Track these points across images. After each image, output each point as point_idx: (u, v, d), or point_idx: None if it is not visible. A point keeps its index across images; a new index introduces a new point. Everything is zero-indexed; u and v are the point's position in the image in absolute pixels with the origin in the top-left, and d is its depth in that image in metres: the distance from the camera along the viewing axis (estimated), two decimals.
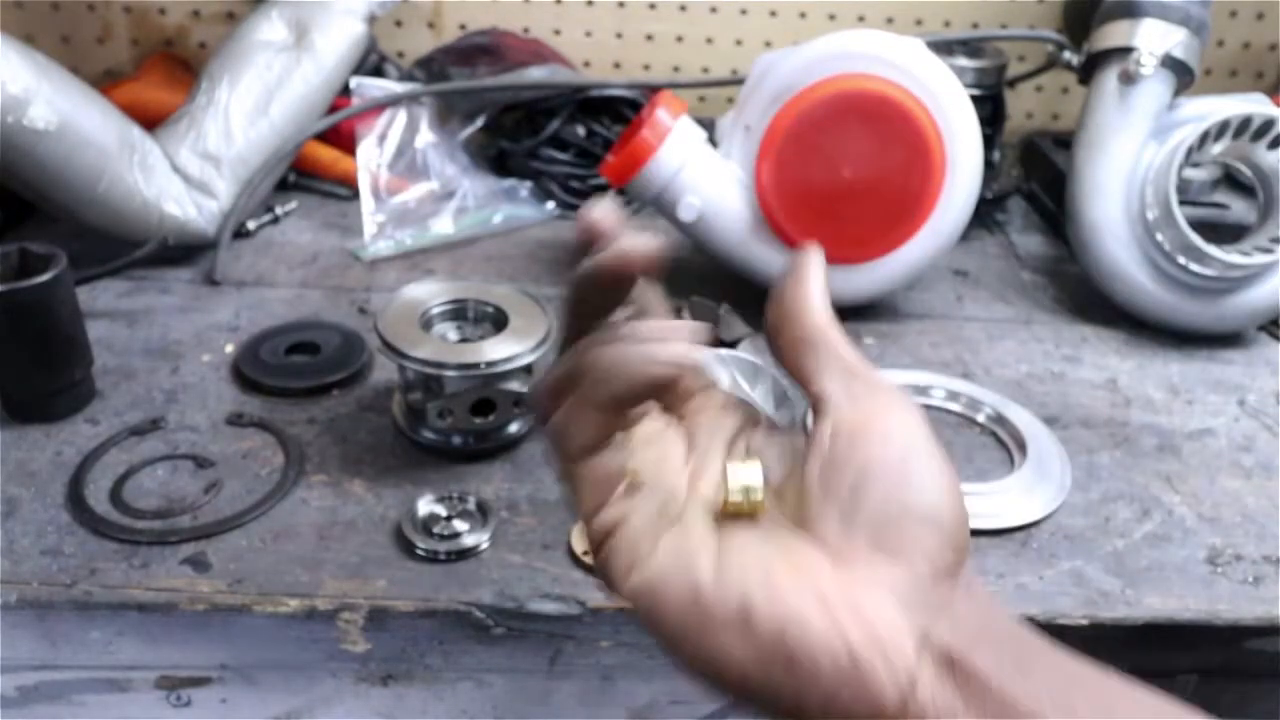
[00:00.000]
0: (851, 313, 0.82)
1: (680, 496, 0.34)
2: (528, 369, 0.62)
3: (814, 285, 0.35)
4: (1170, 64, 0.80)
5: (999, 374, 0.76)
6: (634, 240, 0.33)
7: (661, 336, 0.32)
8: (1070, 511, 0.61)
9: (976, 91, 0.91)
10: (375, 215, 0.89)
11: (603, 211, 0.34)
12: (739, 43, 1.13)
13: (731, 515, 0.33)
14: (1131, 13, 0.81)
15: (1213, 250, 0.76)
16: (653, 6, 1.11)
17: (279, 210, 0.93)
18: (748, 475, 0.33)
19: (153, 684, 0.55)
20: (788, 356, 0.35)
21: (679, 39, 1.13)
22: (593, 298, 0.34)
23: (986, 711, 0.28)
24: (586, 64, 1.13)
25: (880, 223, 0.76)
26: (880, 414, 0.33)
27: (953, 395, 0.71)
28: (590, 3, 1.10)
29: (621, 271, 0.33)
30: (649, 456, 0.35)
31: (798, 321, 0.35)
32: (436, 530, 0.56)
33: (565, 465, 0.35)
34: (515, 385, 0.62)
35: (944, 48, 0.93)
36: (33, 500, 0.57)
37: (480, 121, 0.98)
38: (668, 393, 0.35)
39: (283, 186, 0.98)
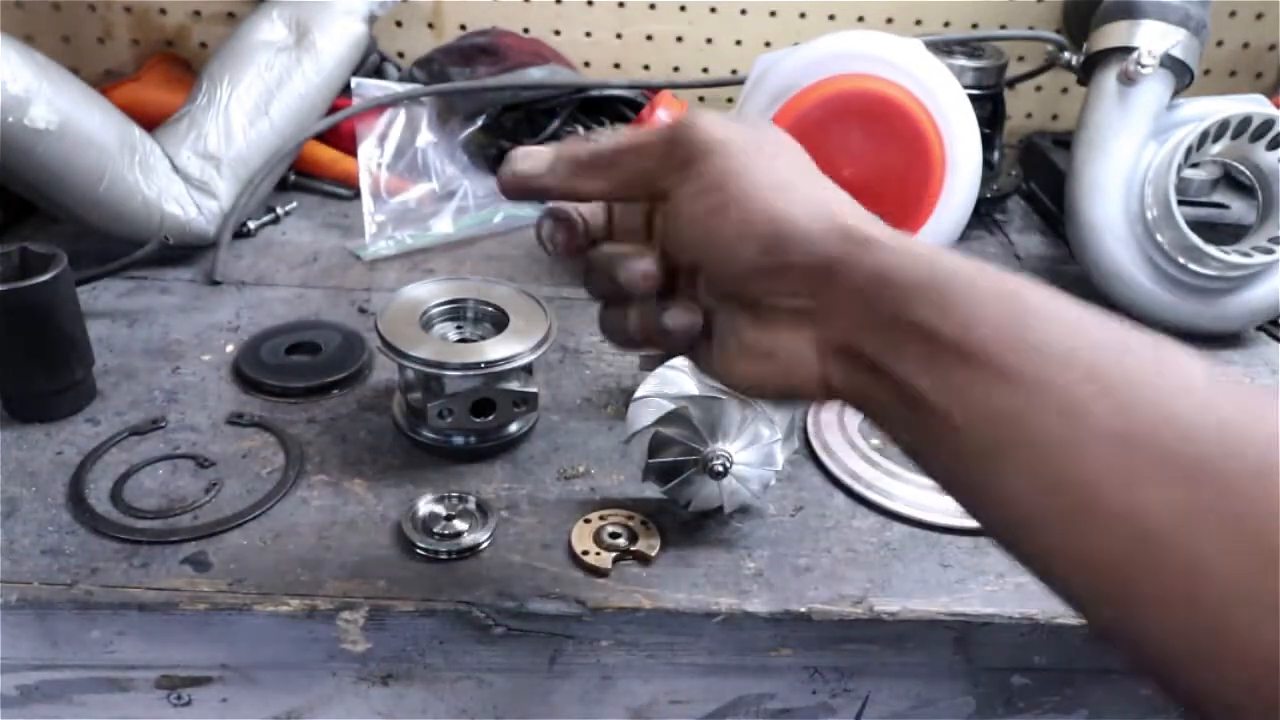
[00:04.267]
0: None
1: None
2: (528, 369, 0.62)
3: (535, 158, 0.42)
4: (1170, 64, 0.80)
5: None
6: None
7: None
8: None
9: (976, 91, 0.91)
10: (375, 215, 0.89)
11: (516, 170, 0.42)
12: (739, 43, 1.13)
13: None
14: (1131, 13, 0.81)
15: (1212, 250, 0.76)
16: (653, 7, 1.11)
17: (279, 210, 0.94)
18: None
19: (153, 683, 0.55)
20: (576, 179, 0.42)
21: (679, 39, 1.13)
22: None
23: (902, 253, 0.35)
24: (586, 64, 1.13)
25: None
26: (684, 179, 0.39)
27: None
28: (590, 3, 1.10)
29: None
30: None
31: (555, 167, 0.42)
32: (437, 530, 0.56)
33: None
34: (515, 385, 0.62)
35: (944, 48, 0.93)
36: (33, 500, 0.57)
37: (480, 121, 0.98)
38: None
39: (283, 186, 0.98)
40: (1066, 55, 0.88)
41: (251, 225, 0.90)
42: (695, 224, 0.38)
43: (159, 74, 1.02)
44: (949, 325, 0.33)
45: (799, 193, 0.38)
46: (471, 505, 0.58)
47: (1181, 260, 0.78)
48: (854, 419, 0.67)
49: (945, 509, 0.60)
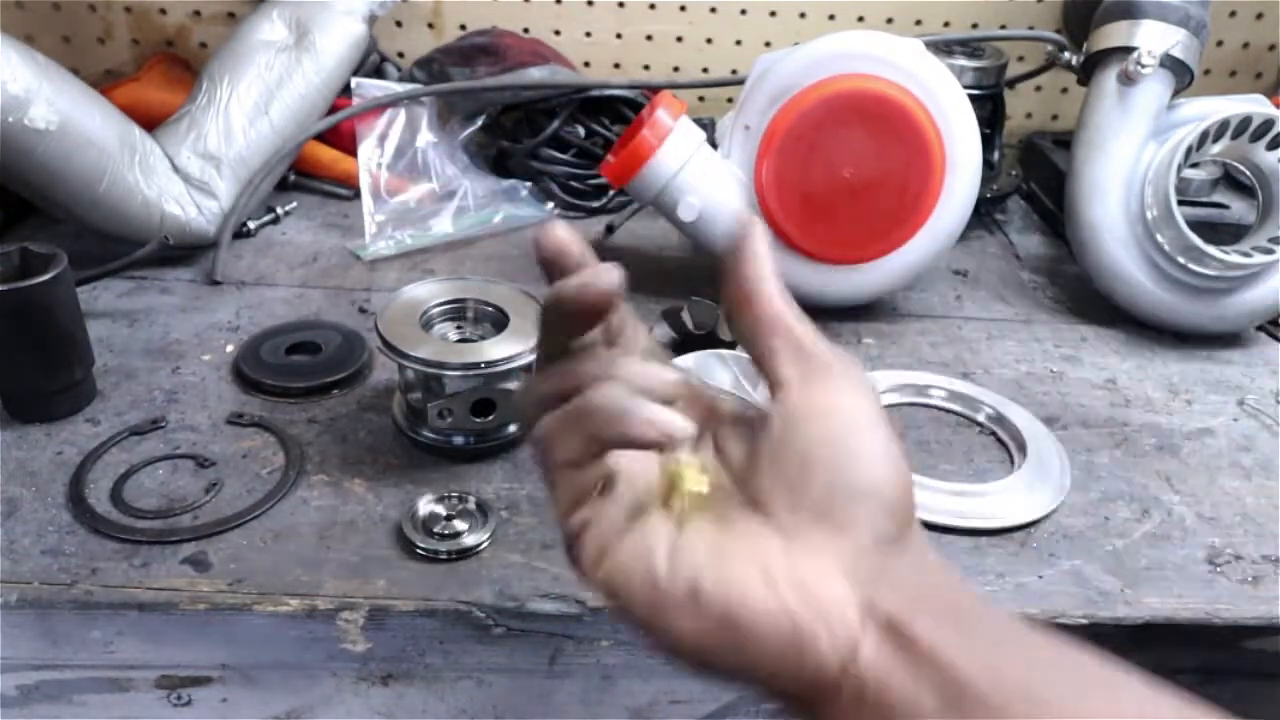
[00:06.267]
0: (851, 313, 0.82)
1: (649, 495, 0.36)
2: (528, 369, 0.62)
3: (766, 266, 0.37)
4: (1170, 64, 0.80)
5: (998, 374, 0.76)
6: (596, 275, 0.34)
7: (651, 386, 0.35)
8: (1070, 511, 0.61)
9: (976, 91, 0.91)
10: (375, 215, 0.89)
11: (563, 236, 0.36)
12: (739, 43, 1.13)
13: (687, 506, 0.35)
14: (1131, 13, 0.81)
15: (1212, 250, 0.76)
16: (653, 7, 1.11)
17: (279, 210, 0.94)
18: (686, 474, 0.35)
19: (153, 683, 0.55)
20: (749, 340, 0.37)
21: (679, 39, 1.13)
22: (563, 322, 0.36)
23: (921, 675, 0.30)
24: (586, 64, 1.13)
25: (880, 223, 0.77)
26: (827, 394, 0.35)
27: (953, 395, 0.72)
28: (590, 3, 1.10)
29: (585, 308, 0.35)
30: (623, 460, 0.37)
31: (756, 306, 0.37)
32: (437, 530, 0.56)
33: (547, 471, 0.37)
34: (515, 385, 0.62)
35: (944, 48, 0.93)
36: (33, 500, 0.57)
37: (480, 121, 0.98)
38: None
39: (283, 186, 0.98)
40: (1066, 55, 0.88)
41: (251, 225, 0.90)
42: None
43: (159, 74, 1.02)
44: None
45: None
46: (471, 505, 0.58)
47: (1181, 260, 0.78)
48: None
49: (945, 509, 0.60)
